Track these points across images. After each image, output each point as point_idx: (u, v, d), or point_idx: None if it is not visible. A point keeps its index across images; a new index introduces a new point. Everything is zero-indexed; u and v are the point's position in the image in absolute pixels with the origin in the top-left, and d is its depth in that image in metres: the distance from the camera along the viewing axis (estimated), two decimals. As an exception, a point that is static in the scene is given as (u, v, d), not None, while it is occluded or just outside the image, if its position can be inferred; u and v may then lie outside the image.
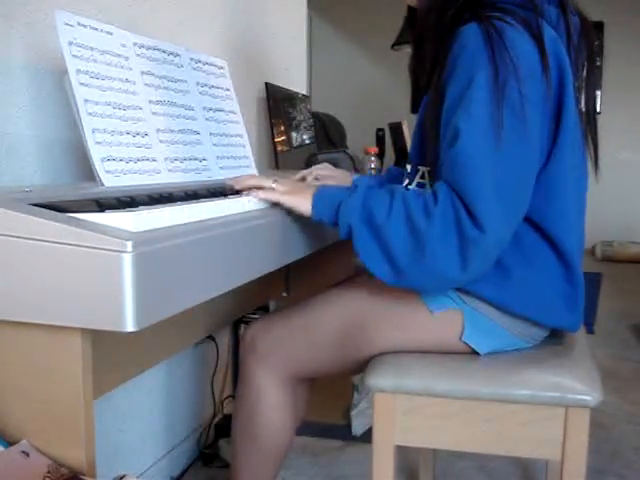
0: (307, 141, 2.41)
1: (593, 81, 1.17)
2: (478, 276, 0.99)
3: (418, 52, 1.15)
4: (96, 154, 1.04)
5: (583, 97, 1.15)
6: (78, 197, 0.86)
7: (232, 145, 1.46)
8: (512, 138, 0.96)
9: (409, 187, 1.15)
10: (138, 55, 1.21)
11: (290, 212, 1.04)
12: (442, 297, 1.10)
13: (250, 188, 1.07)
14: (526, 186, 1.00)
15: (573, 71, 1.07)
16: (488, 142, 0.95)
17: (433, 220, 0.92)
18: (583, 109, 1.14)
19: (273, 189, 1.05)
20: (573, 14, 1.12)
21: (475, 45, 0.98)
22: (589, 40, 1.14)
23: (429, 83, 1.08)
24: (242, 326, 1.97)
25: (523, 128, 0.97)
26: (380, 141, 3.41)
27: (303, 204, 1.02)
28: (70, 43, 1.05)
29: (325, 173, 1.39)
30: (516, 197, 0.98)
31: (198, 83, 1.39)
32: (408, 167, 1.18)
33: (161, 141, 1.20)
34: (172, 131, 1.25)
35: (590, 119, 1.15)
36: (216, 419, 1.94)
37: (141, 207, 0.83)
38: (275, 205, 1.05)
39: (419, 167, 1.13)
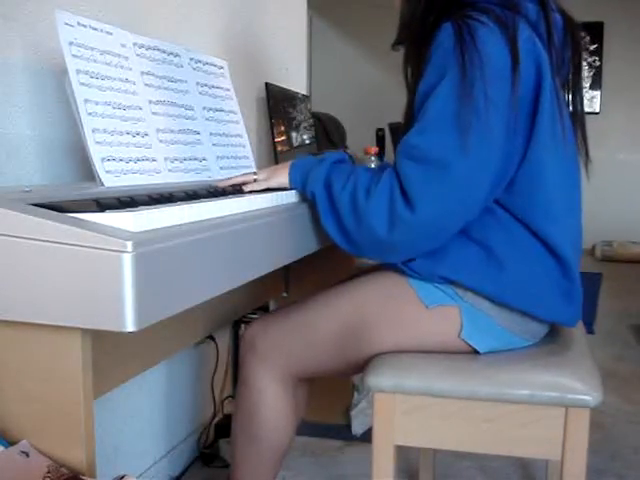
0: (307, 141, 2.41)
1: (580, 79, 1.17)
2: (405, 246, 1.07)
3: (406, 54, 1.17)
4: (96, 154, 1.04)
5: (570, 95, 1.16)
6: (78, 197, 0.86)
7: (232, 145, 1.46)
8: (473, 139, 0.99)
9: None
10: (138, 55, 1.21)
11: (291, 211, 1.07)
12: (437, 291, 1.11)
13: (234, 185, 1.18)
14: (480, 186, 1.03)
15: (553, 69, 1.07)
16: (448, 140, 0.99)
17: (370, 198, 1.03)
18: (571, 107, 1.15)
19: (256, 180, 1.19)
20: (554, 11, 1.11)
21: (447, 44, 1.01)
22: (575, 38, 1.14)
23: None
24: (242, 326, 1.96)
25: (485, 130, 1.00)
26: (380, 141, 3.41)
27: (283, 178, 1.17)
28: (70, 43, 1.05)
29: None
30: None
31: (198, 83, 1.39)
32: None
33: (161, 141, 1.20)
34: (172, 131, 1.25)
35: (577, 117, 1.16)
36: (216, 419, 1.94)
37: (141, 207, 0.83)
38: (275, 205, 1.07)
39: None
